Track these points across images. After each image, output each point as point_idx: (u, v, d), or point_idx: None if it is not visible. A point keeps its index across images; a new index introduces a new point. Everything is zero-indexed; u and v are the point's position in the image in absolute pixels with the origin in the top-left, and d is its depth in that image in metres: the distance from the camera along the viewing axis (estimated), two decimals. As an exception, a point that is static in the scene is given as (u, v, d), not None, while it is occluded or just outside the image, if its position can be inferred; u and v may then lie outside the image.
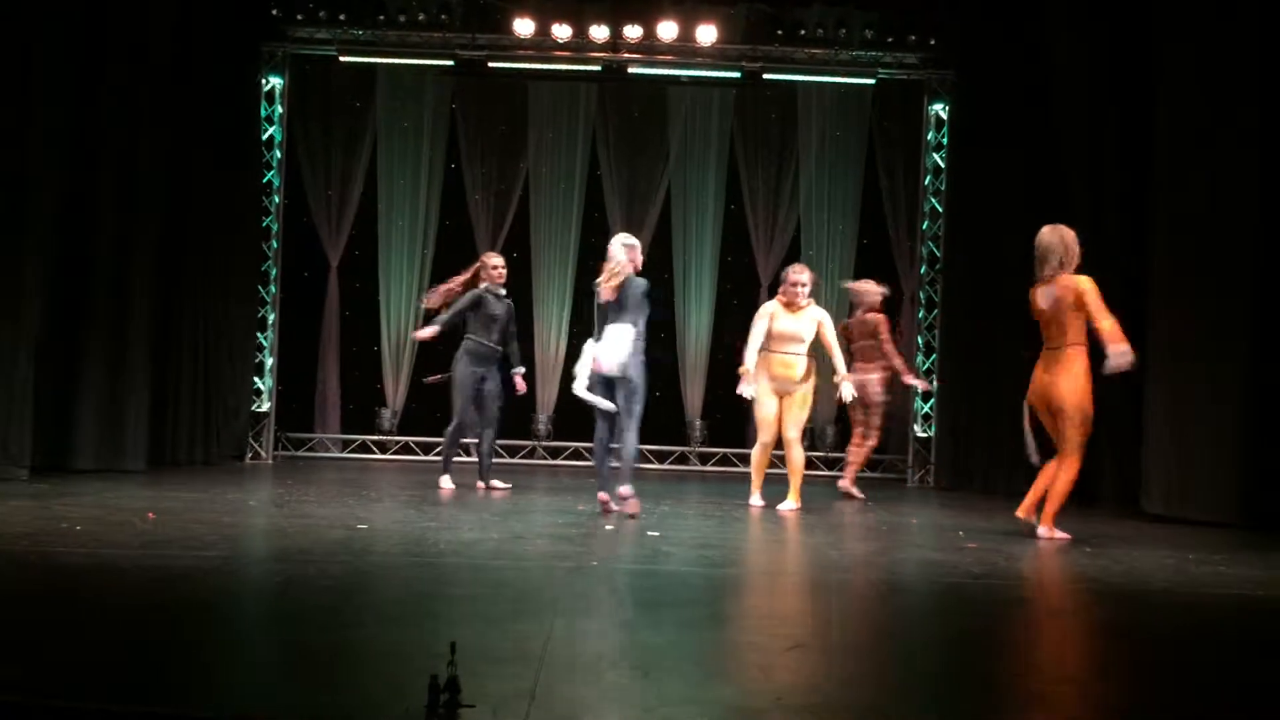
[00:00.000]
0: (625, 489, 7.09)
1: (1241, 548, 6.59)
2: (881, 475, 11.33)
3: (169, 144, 9.29)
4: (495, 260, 8.76)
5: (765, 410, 8.01)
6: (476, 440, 8.93)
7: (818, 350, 8.08)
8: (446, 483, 8.63)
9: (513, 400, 9.00)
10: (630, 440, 7.13)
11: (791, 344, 7.97)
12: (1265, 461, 7.68)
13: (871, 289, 9.44)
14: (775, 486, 8.22)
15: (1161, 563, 5.89)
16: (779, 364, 7.98)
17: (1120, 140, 8.79)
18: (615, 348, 6.99)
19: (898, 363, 9.27)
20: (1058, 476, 6.69)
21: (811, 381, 8.08)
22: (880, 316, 9.29)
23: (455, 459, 8.93)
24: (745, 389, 7.85)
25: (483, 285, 8.62)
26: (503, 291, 8.68)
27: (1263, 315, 7.76)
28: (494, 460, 8.98)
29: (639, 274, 7.21)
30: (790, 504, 7.98)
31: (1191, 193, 8.00)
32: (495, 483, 8.67)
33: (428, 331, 8.66)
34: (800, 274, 8.05)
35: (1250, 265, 7.80)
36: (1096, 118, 8.95)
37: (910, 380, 9.62)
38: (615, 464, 7.31)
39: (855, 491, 9.21)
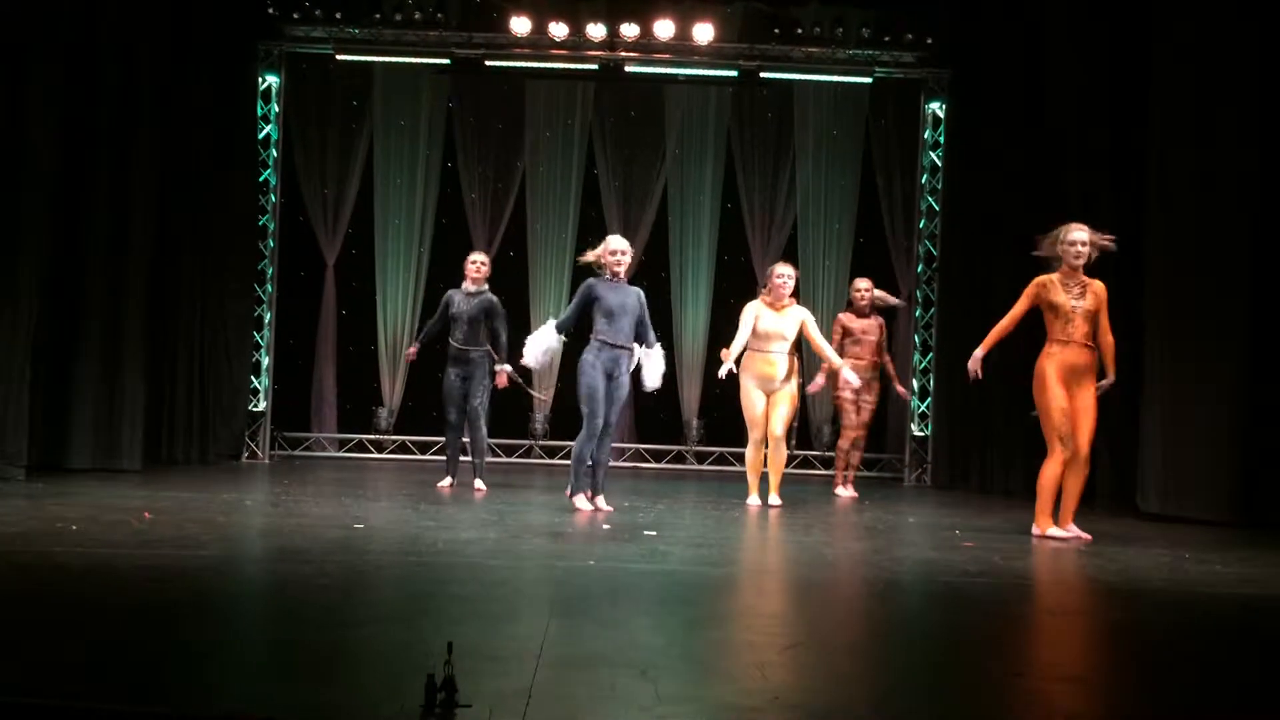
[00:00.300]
0: (568, 491, 7.31)
1: (1237, 546, 6.60)
2: (878, 474, 11.34)
3: (167, 143, 9.28)
4: (473, 256, 8.65)
5: (753, 408, 8.08)
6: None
7: (807, 349, 8.08)
8: (444, 482, 8.62)
9: (497, 398, 8.87)
10: (578, 439, 7.22)
11: (775, 343, 8.03)
12: (1261, 460, 7.70)
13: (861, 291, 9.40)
14: (772, 485, 8.23)
15: (1157, 561, 5.90)
16: (762, 363, 8.04)
17: (1117, 139, 8.79)
18: (532, 340, 7.38)
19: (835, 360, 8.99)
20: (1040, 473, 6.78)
21: (795, 380, 8.18)
22: (840, 315, 9.27)
23: (461, 459, 8.82)
24: (724, 369, 7.88)
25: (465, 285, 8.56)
26: (484, 288, 8.52)
27: (1260, 315, 7.77)
28: (488, 460, 8.95)
29: (614, 276, 7.28)
30: (772, 499, 8.07)
31: (1189, 193, 8.00)
32: (477, 481, 8.56)
33: (410, 350, 9.25)
34: (785, 268, 8.11)
35: (1247, 265, 7.80)
36: (1094, 117, 8.94)
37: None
38: (612, 463, 7.35)
39: (840, 491, 9.22)
